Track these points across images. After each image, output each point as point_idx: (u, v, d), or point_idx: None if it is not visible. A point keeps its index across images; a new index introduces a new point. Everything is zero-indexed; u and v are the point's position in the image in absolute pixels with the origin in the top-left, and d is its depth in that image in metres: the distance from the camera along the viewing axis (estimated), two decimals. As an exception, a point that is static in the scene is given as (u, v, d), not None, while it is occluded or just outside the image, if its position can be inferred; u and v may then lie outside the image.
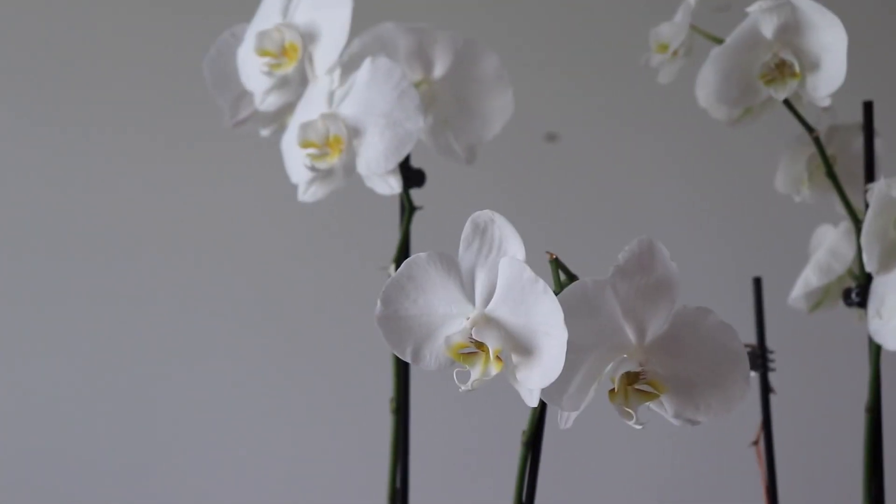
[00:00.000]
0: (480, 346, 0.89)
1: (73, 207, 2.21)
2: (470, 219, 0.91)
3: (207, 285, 2.23)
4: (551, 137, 2.24)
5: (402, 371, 1.28)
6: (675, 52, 1.28)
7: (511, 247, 0.90)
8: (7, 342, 2.20)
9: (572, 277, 0.92)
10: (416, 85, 1.23)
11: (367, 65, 1.17)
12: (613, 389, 0.89)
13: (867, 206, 1.19)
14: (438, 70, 1.25)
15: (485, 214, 0.90)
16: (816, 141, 1.24)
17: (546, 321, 0.86)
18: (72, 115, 2.22)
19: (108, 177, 2.23)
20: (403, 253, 1.24)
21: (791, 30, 1.20)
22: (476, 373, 0.89)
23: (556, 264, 0.92)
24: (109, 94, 2.23)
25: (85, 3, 2.24)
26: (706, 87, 1.24)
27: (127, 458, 2.21)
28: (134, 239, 2.22)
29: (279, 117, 1.27)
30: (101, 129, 2.23)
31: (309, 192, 1.20)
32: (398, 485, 1.29)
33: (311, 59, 1.20)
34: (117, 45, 2.23)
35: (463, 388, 0.89)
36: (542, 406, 0.96)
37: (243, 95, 1.26)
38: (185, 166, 2.24)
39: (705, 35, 1.26)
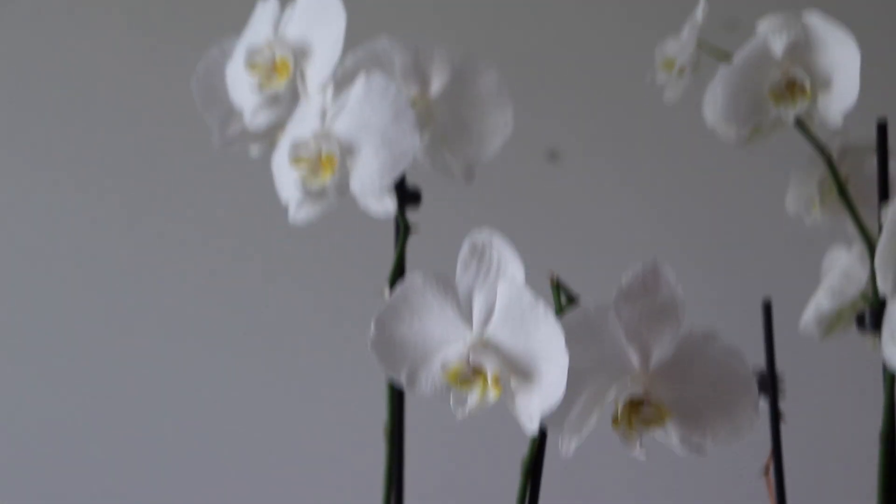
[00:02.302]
0: (478, 371, 0.87)
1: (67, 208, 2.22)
2: (467, 239, 0.89)
3: (195, 310, 2.21)
4: (553, 156, 2.23)
5: (397, 396, 1.26)
6: (681, 70, 1.26)
7: (510, 268, 0.88)
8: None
9: (574, 300, 0.90)
10: (413, 102, 1.20)
11: (361, 81, 1.14)
12: (616, 416, 0.87)
13: (881, 227, 1.16)
14: (435, 87, 1.23)
15: (483, 235, 0.89)
16: (828, 161, 1.23)
17: (546, 345, 0.85)
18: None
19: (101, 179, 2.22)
20: (398, 275, 1.21)
21: (802, 47, 1.19)
22: (473, 399, 0.87)
23: (557, 287, 0.91)
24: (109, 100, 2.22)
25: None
26: (714, 106, 1.23)
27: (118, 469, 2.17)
28: (130, 260, 2.20)
29: (269, 135, 1.24)
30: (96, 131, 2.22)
31: (300, 213, 1.18)
32: (392, 514, 1.27)
33: (302, 76, 1.18)
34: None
35: (460, 414, 0.87)
36: (543, 433, 0.94)
37: (232, 113, 1.23)
38: (175, 182, 2.23)
39: (713, 52, 1.24)
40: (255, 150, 1.27)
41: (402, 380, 0.90)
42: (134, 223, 2.21)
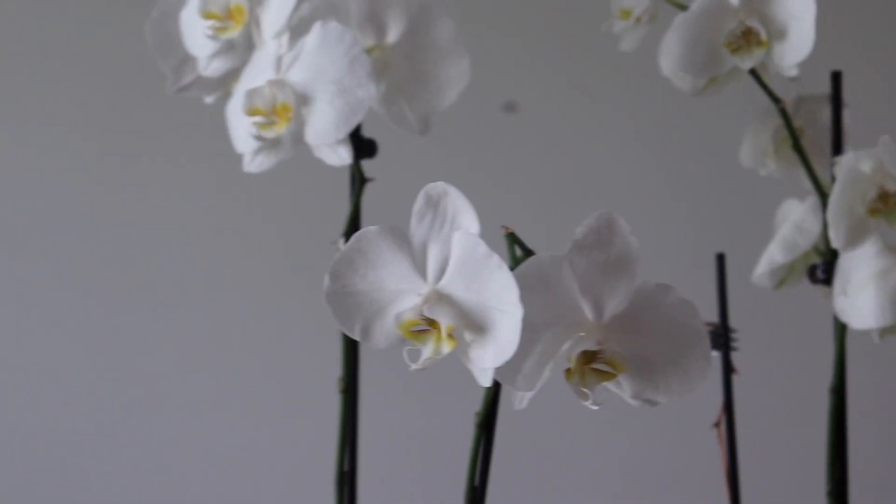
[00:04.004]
0: (432, 323, 0.86)
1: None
2: (422, 191, 0.88)
3: (150, 266, 2.19)
4: (509, 107, 2.22)
5: (352, 349, 1.26)
6: (638, 19, 1.26)
7: (465, 220, 0.87)
8: None
9: (528, 252, 0.90)
10: (369, 51, 1.20)
11: (316, 29, 1.14)
12: (570, 369, 0.86)
13: (834, 179, 1.18)
14: (392, 35, 1.22)
15: (438, 187, 0.88)
16: (783, 112, 1.23)
17: (501, 298, 0.84)
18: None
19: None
20: (354, 226, 1.21)
21: None
22: (427, 351, 0.86)
23: (512, 239, 0.90)
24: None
25: None
26: (670, 55, 1.22)
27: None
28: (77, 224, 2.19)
29: (224, 83, 1.23)
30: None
31: (255, 163, 1.17)
32: (346, 468, 1.26)
33: (257, 23, 1.17)
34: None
35: (414, 367, 0.87)
36: (497, 386, 0.94)
37: (187, 60, 1.22)
38: (123, 146, 2.20)
39: (669, 1, 1.24)
40: (209, 98, 1.25)
41: (357, 333, 0.89)
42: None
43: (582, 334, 0.86)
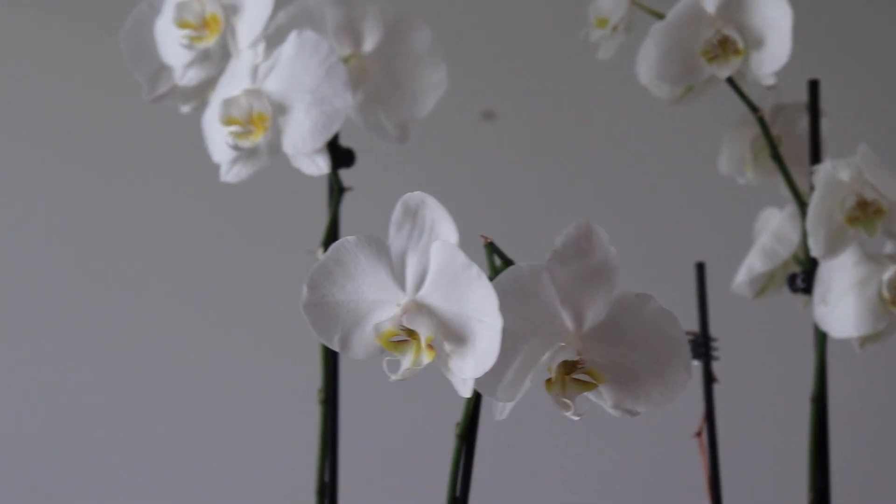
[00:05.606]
0: (411, 333, 0.86)
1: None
2: (400, 201, 0.88)
3: (127, 272, 2.18)
4: (487, 115, 2.22)
5: (331, 360, 1.25)
6: (615, 28, 1.26)
7: (443, 230, 0.87)
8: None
9: (508, 262, 0.89)
10: (345, 60, 1.20)
11: (292, 38, 1.13)
12: (550, 379, 0.86)
13: (813, 188, 1.18)
14: (368, 44, 1.22)
15: (416, 196, 0.87)
16: (761, 121, 1.23)
17: (480, 308, 0.83)
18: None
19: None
20: (332, 236, 1.21)
21: (734, 5, 1.19)
22: (407, 362, 0.86)
23: (491, 248, 0.89)
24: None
25: None
26: (647, 64, 1.23)
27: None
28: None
29: (200, 93, 1.23)
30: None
31: (232, 172, 1.17)
32: (327, 479, 1.26)
33: (233, 32, 1.17)
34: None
35: (393, 377, 0.86)
36: (477, 397, 0.93)
37: (162, 69, 1.22)
38: (95, 155, 2.19)
39: (646, 10, 1.24)
40: (185, 108, 1.25)
41: (336, 344, 0.89)
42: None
43: (562, 344, 0.86)
